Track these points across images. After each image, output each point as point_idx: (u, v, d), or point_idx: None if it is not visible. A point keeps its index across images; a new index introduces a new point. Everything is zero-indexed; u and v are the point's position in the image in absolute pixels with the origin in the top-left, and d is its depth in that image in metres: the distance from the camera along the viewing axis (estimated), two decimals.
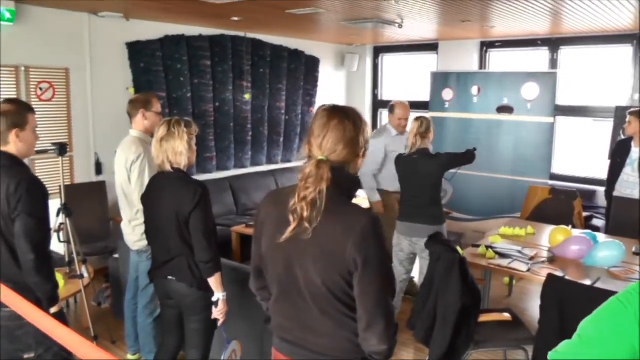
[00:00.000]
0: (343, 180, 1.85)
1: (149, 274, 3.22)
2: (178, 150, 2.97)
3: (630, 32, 6.81)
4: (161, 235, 3.04)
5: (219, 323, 3.09)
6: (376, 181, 5.47)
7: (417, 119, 4.43)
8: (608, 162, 6.07)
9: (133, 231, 3.80)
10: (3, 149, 2.67)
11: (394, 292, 1.87)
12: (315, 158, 1.82)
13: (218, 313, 3.04)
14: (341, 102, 8.04)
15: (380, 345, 1.79)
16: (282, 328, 1.99)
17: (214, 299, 3.01)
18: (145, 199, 3.15)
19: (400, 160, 4.53)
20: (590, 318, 1.31)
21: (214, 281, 2.96)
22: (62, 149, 3.90)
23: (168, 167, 3.00)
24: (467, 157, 4.57)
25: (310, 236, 1.77)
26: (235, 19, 6.18)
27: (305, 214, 1.76)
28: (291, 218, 1.79)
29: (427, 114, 8.01)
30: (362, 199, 5.94)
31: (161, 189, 3.03)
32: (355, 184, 1.92)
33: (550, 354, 1.34)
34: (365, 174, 5.37)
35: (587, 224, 6.10)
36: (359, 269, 1.75)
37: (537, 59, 7.93)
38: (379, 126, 9.61)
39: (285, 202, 1.83)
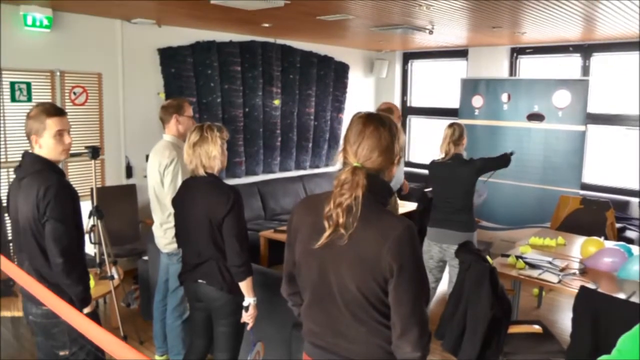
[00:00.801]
0: (378, 187, 1.85)
1: (179, 277, 3.26)
2: (212, 154, 3.00)
3: None
4: (192, 239, 3.07)
5: (248, 327, 3.11)
6: None
7: (450, 125, 4.45)
8: None
9: (164, 234, 3.85)
10: (36, 151, 2.72)
11: (428, 300, 1.87)
12: (351, 165, 1.83)
13: (248, 317, 3.06)
14: (370, 108, 8.07)
15: (414, 352, 1.78)
16: (313, 333, 1.99)
17: (244, 303, 3.03)
18: (177, 202, 3.18)
19: (434, 166, 4.53)
20: (631, 333, 1.28)
21: (245, 285, 2.98)
22: (94, 152, 3.96)
23: (201, 172, 3.03)
24: (502, 160, 4.51)
25: (345, 242, 1.77)
26: (266, 25, 6.22)
27: (341, 220, 1.76)
28: (326, 224, 1.80)
29: (457, 121, 8.03)
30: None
31: (194, 193, 3.06)
32: (390, 191, 1.92)
33: None
34: None
35: (619, 236, 5.98)
36: (394, 276, 1.75)
37: (568, 66, 7.81)
38: (407, 133, 9.60)
39: (320, 208, 1.84)
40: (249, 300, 3.03)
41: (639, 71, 6.78)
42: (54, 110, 2.76)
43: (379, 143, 1.85)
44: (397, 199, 5.54)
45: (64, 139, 2.76)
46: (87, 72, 5.84)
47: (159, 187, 3.81)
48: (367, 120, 1.89)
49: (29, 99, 5.36)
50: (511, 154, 4.58)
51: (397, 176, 4.97)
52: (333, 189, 1.83)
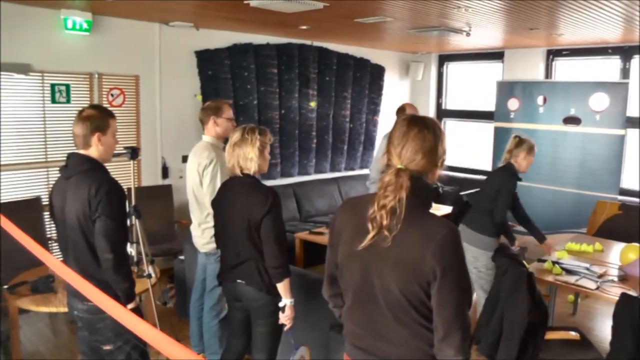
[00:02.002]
0: (421, 189, 1.86)
1: (217, 277, 3.29)
2: (249, 156, 3.04)
3: None
4: (231, 239, 3.09)
5: (286, 328, 3.13)
6: None
7: (515, 136, 4.53)
8: None
9: (202, 234, 3.90)
10: (85, 152, 2.79)
11: (471, 304, 1.87)
12: (395, 167, 1.84)
13: (285, 318, 3.08)
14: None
15: (456, 356, 1.78)
16: (355, 335, 2.01)
17: (280, 304, 3.05)
18: (217, 203, 3.22)
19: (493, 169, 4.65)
20: None
21: (282, 287, 3.00)
22: (133, 152, 4.02)
23: (238, 172, 3.07)
24: (498, 216, 4.40)
25: (389, 244, 1.78)
26: (304, 27, 6.26)
27: (385, 222, 1.78)
28: (370, 226, 1.81)
29: (492, 124, 7.97)
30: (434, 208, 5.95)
31: (233, 194, 3.09)
32: (433, 193, 1.93)
33: None
34: (374, 169, 5.61)
35: None
36: (437, 279, 1.75)
37: (606, 68, 7.69)
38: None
39: (363, 210, 1.85)
40: (285, 301, 3.05)
41: None
42: (111, 112, 2.91)
43: (423, 145, 1.86)
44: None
45: (116, 140, 2.91)
46: (125, 74, 5.95)
47: (198, 188, 3.86)
48: (411, 122, 1.90)
49: (68, 101, 5.49)
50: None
51: None
52: (377, 190, 1.84)
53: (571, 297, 5.61)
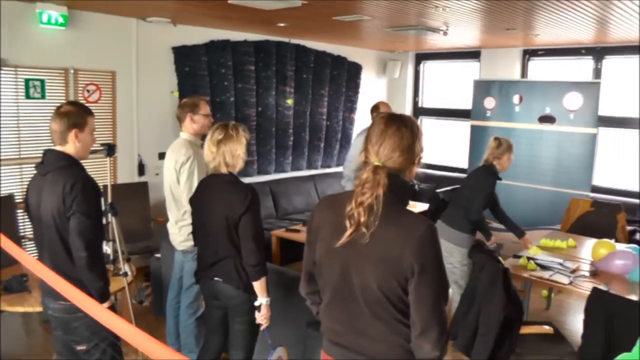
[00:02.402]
0: (399, 186, 1.87)
1: (195, 275, 3.28)
2: (236, 153, 3.03)
3: None
4: (210, 237, 3.08)
5: (263, 327, 3.12)
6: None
7: (495, 138, 4.59)
8: None
9: (179, 231, 3.88)
10: (62, 149, 2.76)
11: (447, 299, 1.89)
12: (372, 164, 1.85)
13: (261, 318, 3.07)
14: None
15: (433, 351, 1.81)
16: (333, 332, 2.02)
17: (256, 303, 3.04)
18: (195, 200, 3.21)
19: (473, 169, 4.81)
20: None
21: (259, 285, 3.00)
22: (110, 149, 3.98)
23: (224, 170, 3.04)
24: (474, 214, 4.47)
25: (367, 241, 1.80)
26: (282, 24, 6.25)
27: (363, 218, 1.79)
28: (348, 223, 1.82)
29: (468, 122, 8.05)
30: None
31: (212, 192, 3.08)
32: (411, 191, 1.95)
33: None
34: (347, 167, 5.64)
35: (630, 239, 5.98)
36: (415, 275, 1.77)
37: (580, 68, 7.81)
38: None
39: (341, 208, 1.86)
40: (261, 300, 3.04)
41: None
42: (90, 110, 2.86)
43: (400, 143, 1.87)
44: None
45: (93, 137, 2.87)
46: (101, 70, 5.88)
47: (175, 185, 3.84)
48: (389, 120, 1.91)
49: (43, 96, 5.41)
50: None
51: None
52: (355, 188, 1.85)
53: (545, 292, 5.70)
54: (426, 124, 9.59)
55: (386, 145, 1.87)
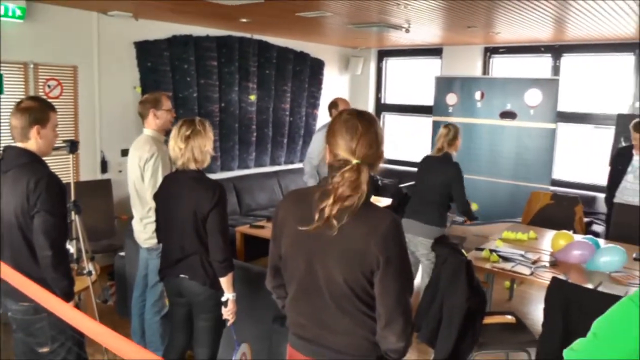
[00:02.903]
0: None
1: (159, 272, 3.25)
2: (205, 148, 3.03)
3: (632, 41, 6.88)
4: (176, 233, 3.06)
5: (229, 323, 3.12)
6: (318, 172, 5.62)
7: (445, 126, 4.66)
8: (608, 168, 6.13)
9: (144, 229, 3.85)
10: (23, 145, 2.71)
11: (412, 291, 1.93)
12: (353, 162, 1.85)
13: (228, 313, 3.08)
14: None
15: (398, 342, 1.85)
16: (299, 325, 2.03)
17: (223, 298, 3.04)
18: (159, 197, 3.19)
19: (425, 159, 4.76)
20: (604, 317, 1.37)
21: (225, 281, 3.00)
22: (72, 146, 3.90)
23: (193, 166, 3.02)
24: (466, 204, 4.64)
25: (334, 235, 1.81)
26: (244, 20, 6.22)
27: (335, 212, 1.80)
28: (317, 216, 1.83)
29: (430, 118, 8.15)
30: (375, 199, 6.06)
31: (178, 188, 3.06)
32: (375, 185, 1.98)
33: (565, 352, 1.39)
34: (308, 163, 5.68)
35: (587, 230, 6.16)
36: (380, 268, 1.80)
37: (539, 66, 8.00)
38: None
39: (308, 202, 1.88)
40: (228, 295, 3.04)
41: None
42: (52, 105, 2.81)
43: (375, 140, 1.90)
44: None
45: (56, 133, 2.81)
46: (62, 64, 5.77)
47: (139, 182, 3.80)
48: (360, 117, 1.91)
49: (1, 91, 5.25)
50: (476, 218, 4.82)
51: None
52: (333, 184, 1.84)
53: (507, 283, 5.83)
54: (388, 120, 9.69)
55: (363, 142, 1.86)
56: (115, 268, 5.09)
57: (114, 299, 5.16)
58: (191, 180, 3.02)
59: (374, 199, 6.95)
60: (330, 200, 1.81)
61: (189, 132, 3.00)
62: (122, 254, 4.91)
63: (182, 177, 3.06)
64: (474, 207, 4.69)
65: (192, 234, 2.98)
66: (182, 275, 3.08)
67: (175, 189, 3.08)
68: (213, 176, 7.12)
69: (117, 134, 6.27)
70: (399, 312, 1.83)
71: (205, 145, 3.02)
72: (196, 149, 3.01)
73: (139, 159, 3.76)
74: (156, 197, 3.23)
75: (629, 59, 7.17)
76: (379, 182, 8.25)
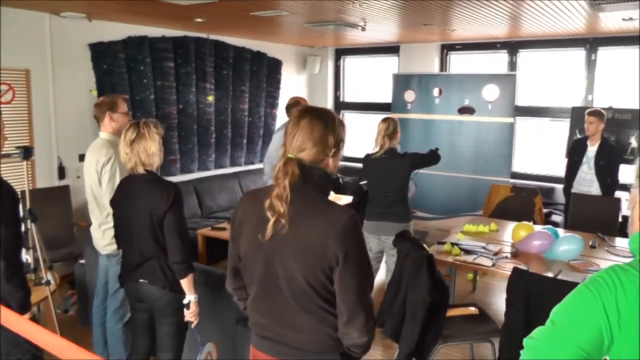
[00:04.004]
0: (315, 177, 1.90)
1: (119, 278, 3.19)
2: (151, 151, 2.96)
3: (582, 37, 7.11)
4: (134, 238, 3.01)
5: (192, 325, 3.08)
6: None
7: (384, 120, 4.55)
8: (565, 160, 6.26)
9: (103, 235, 3.77)
10: None
11: (372, 286, 1.93)
12: (286, 156, 1.89)
13: (190, 315, 3.03)
14: None
15: (361, 337, 1.85)
16: (261, 326, 2.02)
17: (185, 301, 2.99)
18: (116, 201, 3.12)
19: (369, 161, 4.62)
20: (561, 305, 1.39)
21: (186, 282, 2.95)
22: (26, 152, 3.80)
23: (141, 169, 2.97)
24: (433, 158, 4.67)
25: (290, 233, 1.81)
26: (199, 20, 6.15)
27: (282, 209, 1.81)
28: (269, 214, 1.83)
29: (389, 116, 8.19)
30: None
31: (133, 191, 3.00)
32: (330, 181, 1.97)
33: (525, 340, 1.41)
34: (267, 163, 5.68)
35: (547, 220, 6.29)
36: (339, 264, 1.80)
37: (496, 62, 8.13)
38: None
39: (264, 201, 1.87)
40: (189, 297, 2.99)
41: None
42: None
43: (312, 135, 1.90)
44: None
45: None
46: (13, 68, 5.59)
47: (97, 187, 3.72)
48: (303, 112, 1.95)
49: None
50: (436, 149, 4.73)
51: None
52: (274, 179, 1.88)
53: (470, 275, 5.91)
54: (348, 118, 9.71)
55: (298, 136, 1.90)
56: (75, 276, 4.96)
57: (76, 308, 5.04)
58: (145, 182, 2.97)
59: (335, 197, 7.00)
60: (270, 196, 1.84)
61: (134, 135, 2.95)
62: (82, 261, 4.79)
63: (136, 180, 3.00)
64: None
65: (150, 238, 2.93)
66: (141, 280, 3.02)
67: (130, 193, 3.02)
68: (173, 179, 7.04)
69: (74, 139, 6.13)
70: (360, 307, 1.84)
71: (151, 147, 2.96)
72: (142, 152, 2.95)
73: (95, 163, 3.68)
74: (112, 202, 3.17)
75: (580, 53, 7.36)
76: (340, 180, 8.28)
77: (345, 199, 6.56)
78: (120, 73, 6.47)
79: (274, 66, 8.76)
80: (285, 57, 8.99)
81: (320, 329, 1.90)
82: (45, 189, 5.96)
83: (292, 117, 1.96)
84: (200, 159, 7.71)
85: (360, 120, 9.65)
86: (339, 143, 1.98)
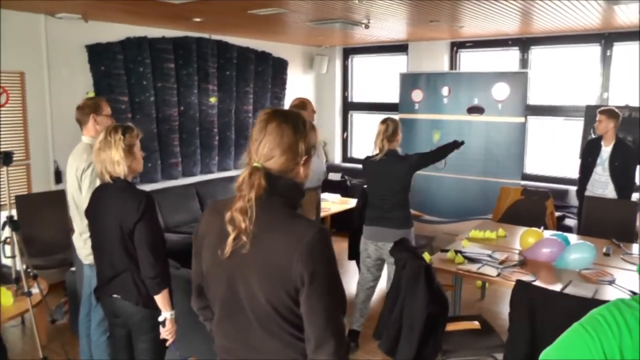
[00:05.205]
0: (283, 189, 1.70)
1: (94, 292, 3.04)
2: (114, 159, 2.77)
3: (597, 32, 6.83)
4: (106, 250, 2.84)
5: (169, 343, 2.89)
6: None
7: (383, 121, 4.35)
8: (579, 161, 6.02)
9: (84, 244, 3.59)
10: None
11: (345, 309, 1.72)
12: (251, 165, 1.68)
13: (166, 333, 2.84)
14: None
15: None
16: (225, 349, 1.83)
17: (160, 318, 2.81)
18: (89, 211, 2.96)
19: (368, 163, 4.43)
20: (552, 347, 1.16)
21: (161, 298, 2.76)
22: (7, 158, 3.68)
23: (107, 178, 2.80)
24: (438, 151, 4.48)
25: (251, 250, 1.62)
26: (197, 19, 6.00)
27: (243, 225, 1.61)
28: (229, 229, 1.64)
29: (397, 116, 7.98)
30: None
31: (104, 201, 2.84)
32: (300, 193, 1.76)
33: None
34: None
35: (559, 224, 6.04)
36: (305, 285, 1.59)
37: (507, 59, 7.90)
38: (349, 129, 9.59)
39: (225, 214, 1.68)
40: (165, 314, 2.80)
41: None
42: None
43: (281, 141, 1.70)
44: (321, 193, 5.40)
45: None
46: (7, 71, 5.46)
47: (78, 194, 3.56)
48: (270, 115, 1.74)
49: None
50: (462, 143, 4.56)
51: (317, 169, 4.79)
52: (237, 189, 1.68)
53: (479, 282, 5.68)
54: (356, 119, 9.57)
55: (265, 143, 1.69)
56: (67, 284, 4.84)
57: (68, 317, 4.90)
58: (116, 191, 2.80)
59: (341, 200, 6.81)
60: (232, 209, 1.64)
61: (100, 144, 2.79)
62: (73, 269, 4.65)
63: (107, 189, 2.84)
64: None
65: (121, 250, 2.75)
66: (115, 295, 2.85)
67: (102, 203, 2.85)
68: (175, 182, 6.95)
69: (71, 142, 5.85)
70: (329, 332, 1.62)
71: (115, 156, 2.76)
72: (107, 161, 2.77)
73: (76, 169, 3.53)
74: (87, 212, 3.00)
75: (595, 50, 7.10)
76: (348, 183, 8.09)
77: (350, 202, 6.39)
78: (119, 75, 6.34)
79: (280, 66, 8.60)
80: (291, 57, 8.82)
81: (288, 355, 1.69)
82: (41, 193, 5.85)
83: (257, 121, 1.75)
84: (202, 161, 7.57)
85: (370, 121, 9.44)
86: (310, 150, 1.78)
